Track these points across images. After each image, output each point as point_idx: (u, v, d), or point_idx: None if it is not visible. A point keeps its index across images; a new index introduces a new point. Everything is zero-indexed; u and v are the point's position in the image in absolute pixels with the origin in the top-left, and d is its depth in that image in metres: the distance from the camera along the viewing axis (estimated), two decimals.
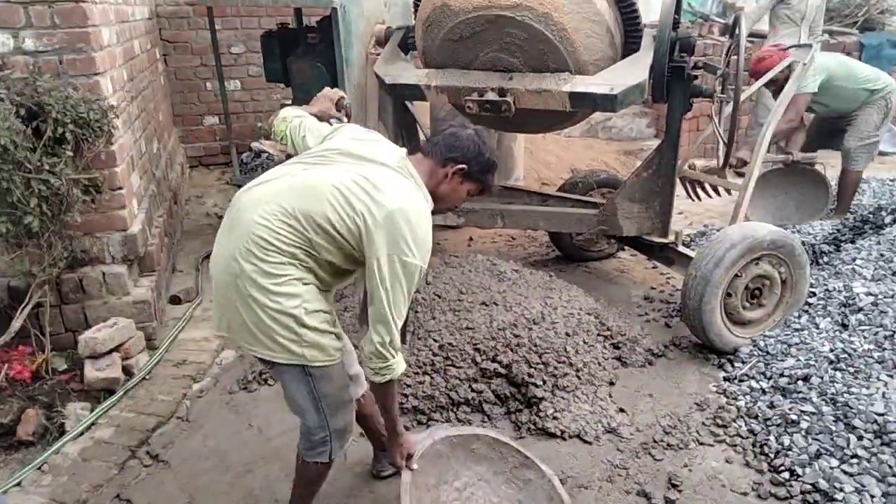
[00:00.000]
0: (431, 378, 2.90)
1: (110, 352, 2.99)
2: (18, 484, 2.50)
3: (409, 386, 2.86)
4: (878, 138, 4.56)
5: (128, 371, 3.07)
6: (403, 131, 4.35)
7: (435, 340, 3.00)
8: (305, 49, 4.11)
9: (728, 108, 3.72)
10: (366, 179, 1.81)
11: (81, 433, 2.75)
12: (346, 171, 1.84)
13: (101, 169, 3.05)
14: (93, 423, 2.81)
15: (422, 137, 4.60)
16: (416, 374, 2.91)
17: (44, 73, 2.82)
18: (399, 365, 1.89)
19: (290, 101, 4.57)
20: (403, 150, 1.98)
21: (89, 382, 2.93)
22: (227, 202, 2.09)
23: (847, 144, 4.55)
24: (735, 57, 3.26)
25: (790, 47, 4.21)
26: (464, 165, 1.95)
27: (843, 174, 4.68)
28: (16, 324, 2.85)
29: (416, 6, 3.54)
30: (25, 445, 2.70)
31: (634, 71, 3.06)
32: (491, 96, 3.13)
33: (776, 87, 4.17)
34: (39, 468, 2.57)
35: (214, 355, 3.36)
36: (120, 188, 3.15)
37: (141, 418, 2.85)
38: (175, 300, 3.84)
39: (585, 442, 2.68)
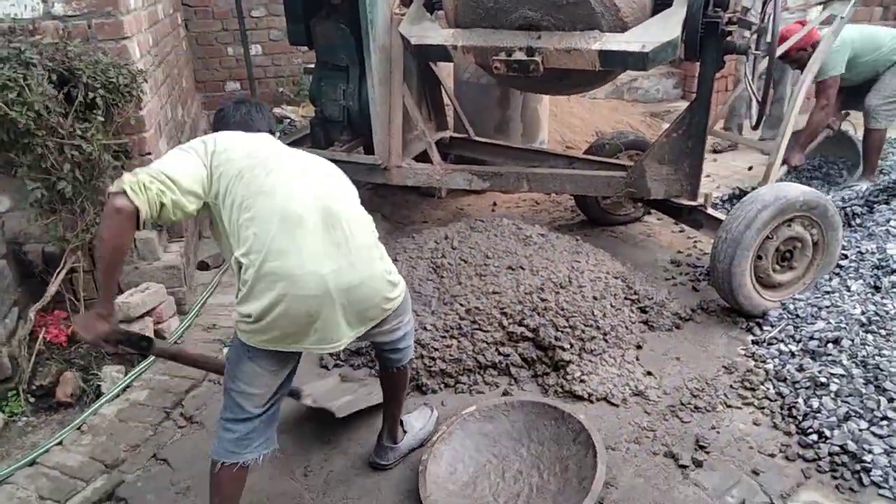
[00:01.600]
0: (458, 342, 2.92)
1: (142, 316, 3.05)
2: (60, 443, 2.58)
3: (436, 350, 2.88)
4: None
5: (160, 335, 3.13)
6: (428, 95, 4.32)
7: (462, 305, 3.02)
8: (329, 10, 4.04)
9: (763, 65, 3.61)
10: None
11: (117, 395, 2.83)
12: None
13: (131, 134, 3.07)
14: (128, 386, 2.89)
15: (446, 100, 4.56)
16: (444, 337, 2.93)
17: (73, 38, 2.82)
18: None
19: (312, 65, 4.53)
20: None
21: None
22: None
23: (869, 102, 4.41)
24: (770, 12, 3.16)
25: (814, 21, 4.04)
26: (277, 135, 2.20)
27: (866, 134, 4.55)
28: (51, 288, 2.91)
29: None
30: (64, 406, 2.79)
31: (667, 27, 2.97)
32: (519, 56, 3.08)
33: (799, 64, 4.06)
34: (79, 428, 2.66)
35: None
36: (149, 153, 3.17)
37: (174, 381, 2.92)
38: (203, 266, 3.89)
39: (612, 404, 2.69)
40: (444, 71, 4.60)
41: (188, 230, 3.66)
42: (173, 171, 1.78)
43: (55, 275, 2.94)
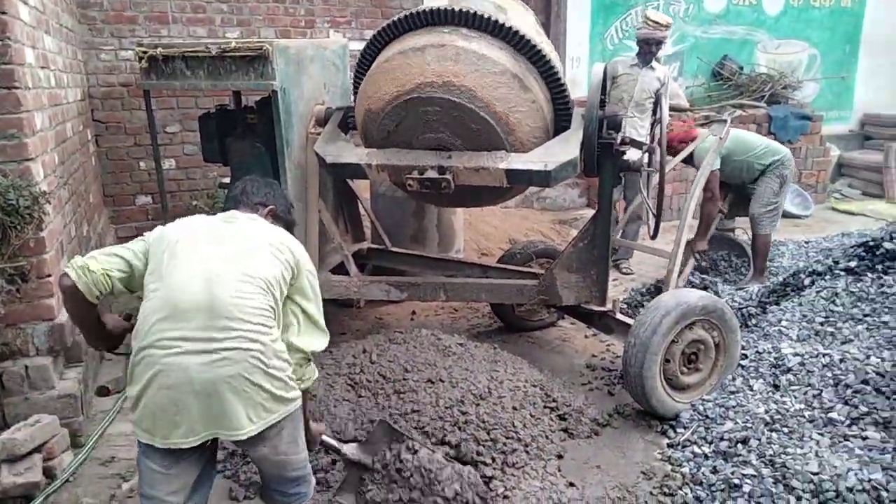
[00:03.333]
0: None
1: (31, 453, 2.78)
2: None
3: None
4: (778, 203, 4.90)
5: (50, 473, 2.85)
6: (344, 208, 4.40)
7: None
8: (245, 129, 4.13)
9: (655, 179, 3.92)
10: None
11: None
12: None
13: (29, 256, 2.93)
14: None
15: (362, 212, 4.65)
16: None
17: None
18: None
19: (227, 179, 4.54)
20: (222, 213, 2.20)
21: (5, 489, 2.68)
22: None
23: (752, 211, 4.92)
24: (658, 130, 3.48)
25: (703, 124, 4.54)
26: (273, 206, 2.28)
27: (753, 239, 5.01)
28: None
29: (356, 88, 3.64)
30: None
31: (566, 148, 3.21)
32: (431, 174, 3.21)
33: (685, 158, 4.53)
34: None
35: None
36: (48, 276, 3.02)
37: None
38: (103, 391, 3.61)
39: None
40: (361, 184, 4.71)
41: (88, 353, 3.45)
42: (117, 249, 2.02)
43: None
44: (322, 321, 2.12)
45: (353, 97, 3.86)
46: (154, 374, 1.80)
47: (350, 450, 2.55)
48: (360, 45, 3.76)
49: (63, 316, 3.12)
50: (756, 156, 4.82)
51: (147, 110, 4.14)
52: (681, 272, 4.47)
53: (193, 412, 1.82)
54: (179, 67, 3.76)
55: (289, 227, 2.31)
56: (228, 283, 1.88)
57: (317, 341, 2.08)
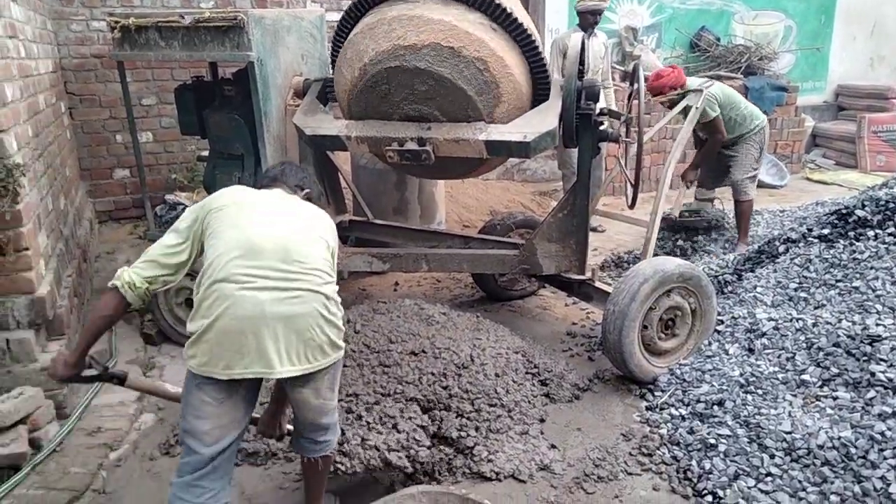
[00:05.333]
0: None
1: (15, 424, 2.78)
2: None
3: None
4: (758, 169, 5.08)
5: (35, 444, 2.86)
6: (325, 180, 4.38)
7: (363, 403, 2.95)
8: (222, 101, 4.08)
9: (633, 150, 3.96)
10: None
11: None
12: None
13: (6, 230, 2.90)
14: None
15: (343, 184, 4.64)
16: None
17: None
18: None
19: (206, 152, 4.50)
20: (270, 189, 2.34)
21: None
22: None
23: (734, 178, 5.03)
24: (636, 101, 3.51)
25: (682, 95, 4.60)
26: (309, 191, 2.43)
27: (736, 205, 5.11)
28: None
29: (334, 59, 3.61)
30: None
31: (545, 119, 3.22)
32: (411, 146, 3.21)
33: (670, 104, 4.67)
34: None
35: (132, 420, 3.19)
36: (26, 249, 2.99)
37: (52, 494, 2.66)
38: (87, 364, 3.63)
39: (520, 481, 2.71)
40: (342, 156, 4.69)
41: (70, 326, 3.43)
42: (154, 255, 2.09)
43: None
44: None
45: (331, 68, 3.83)
46: (227, 305, 1.92)
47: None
48: (338, 16, 3.72)
49: (44, 288, 3.10)
50: (741, 116, 4.92)
51: (122, 82, 4.06)
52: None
53: (260, 343, 1.93)
54: (153, 38, 3.69)
55: None
56: (298, 233, 2.07)
57: None
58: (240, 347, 1.93)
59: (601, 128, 3.47)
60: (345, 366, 3.16)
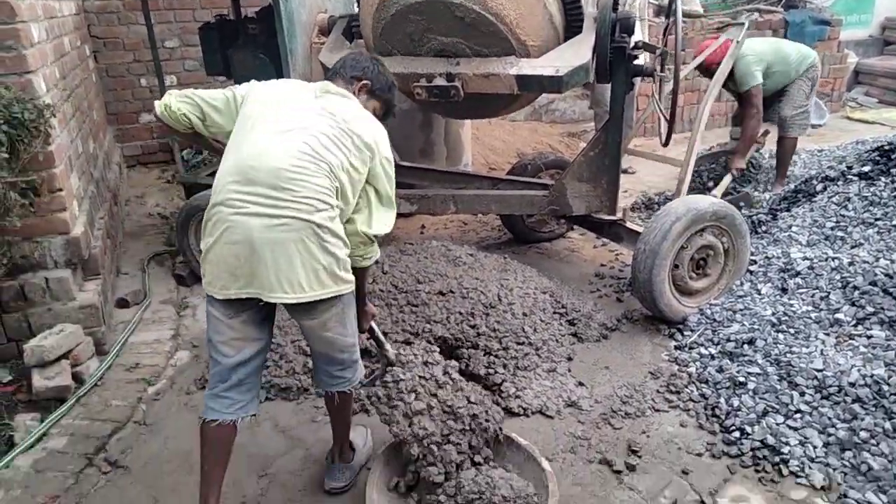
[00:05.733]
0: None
1: (58, 359, 2.89)
2: None
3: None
4: (807, 106, 4.87)
5: (78, 378, 2.97)
6: None
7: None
8: (246, 40, 4.02)
9: (668, 86, 3.83)
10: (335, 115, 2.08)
11: (32, 445, 2.65)
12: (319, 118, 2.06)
13: (39, 171, 2.93)
14: (44, 434, 2.71)
15: None
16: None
17: None
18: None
19: None
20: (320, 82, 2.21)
21: (38, 392, 2.82)
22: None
23: (784, 114, 4.84)
24: (672, 36, 3.37)
25: (719, 28, 4.41)
26: (367, 82, 2.24)
27: (780, 142, 4.95)
28: None
29: None
30: None
31: (578, 52, 3.12)
32: (439, 82, 3.14)
33: (710, 71, 4.40)
34: None
35: (168, 357, 3.29)
36: (60, 190, 3.03)
37: (95, 425, 2.77)
38: (122, 303, 3.73)
39: (547, 416, 2.74)
40: None
41: (104, 267, 3.51)
42: (197, 92, 2.15)
43: None
44: (393, 201, 2.22)
45: (356, 4, 3.73)
46: (224, 229, 1.94)
47: (391, 347, 2.57)
48: None
49: (78, 229, 3.16)
50: (792, 66, 4.73)
51: (147, 23, 4.03)
52: (715, 185, 4.59)
53: (252, 266, 1.93)
54: None
55: (387, 105, 2.33)
56: (293, 159, 1.96)
57: (382, 224, 2.16)
58: (233, 270, 1.96)
59: (635, 62, 3.35)
60: (374, 306, 3.19)
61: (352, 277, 2.08)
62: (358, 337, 2.26)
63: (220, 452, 2.12)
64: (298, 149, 1.97)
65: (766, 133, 5.03)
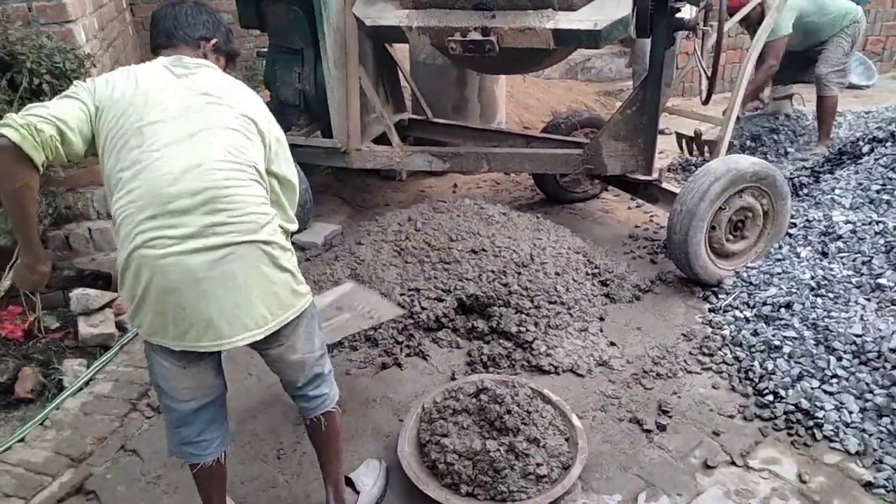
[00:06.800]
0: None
1: (102, 308, 2.99)
2: (22, 440, 2.52)
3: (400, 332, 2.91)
4: (846, 64, 4.66)
5: (121, 326, 3.07)
6: (384, 77, 4.30)
7: (425, 298, 3.03)
8: None
9: (710, 41, 3.70)
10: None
11: (80, 388, 2.77)
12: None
13: None
14: (91, 379, 2.83)
15: (402, 82, 4.55)
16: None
17: (13, 22, 2.72)
18: None
19: (265, 49, 4.45)
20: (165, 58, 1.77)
21: (84, 339, 2.93)
22: None
23: (819, 71, 4.66)
24: None
25: None
26: (216, 40, 1.86)
27: (819, 102, 4.78)
28: (4, 283, 2.82)
29: None
30: (25, 403, 2.72)
31: (619, 5, 3.03)
32: (474, 36, 3.09)
33: (748, 23, 4.22)
34: (42, 423, 2.60)
35: None
36: None
37: (139, 372, 2.87)
38: None
39: (578, 375, 2.76)
40: (400, 53, 4.58)
41: None
42: (59, 112, 1.58)
43: (7, 269, 2.85)
44: (297, 185, 1.86)
45: None
46: (150, 277, 1.55)
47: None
48: None
49: None
50: (829, 20, 4.53)
51: None
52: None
53: (201, 314, 1.59)
54: None
55: (231, 57, 1.94)
56: (218, 172, 1.60)
57: (293, 211, 1.85)
58: (179, 322, 1.59)
59: (678, 15, 3.24)
60: (406, 262, 3.22)
61: (307, 288, 1.81)
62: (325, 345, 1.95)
63: (215, 488, 1.94)
64: (217, 157, 1.61)
65: (792, 95, 4.87)
